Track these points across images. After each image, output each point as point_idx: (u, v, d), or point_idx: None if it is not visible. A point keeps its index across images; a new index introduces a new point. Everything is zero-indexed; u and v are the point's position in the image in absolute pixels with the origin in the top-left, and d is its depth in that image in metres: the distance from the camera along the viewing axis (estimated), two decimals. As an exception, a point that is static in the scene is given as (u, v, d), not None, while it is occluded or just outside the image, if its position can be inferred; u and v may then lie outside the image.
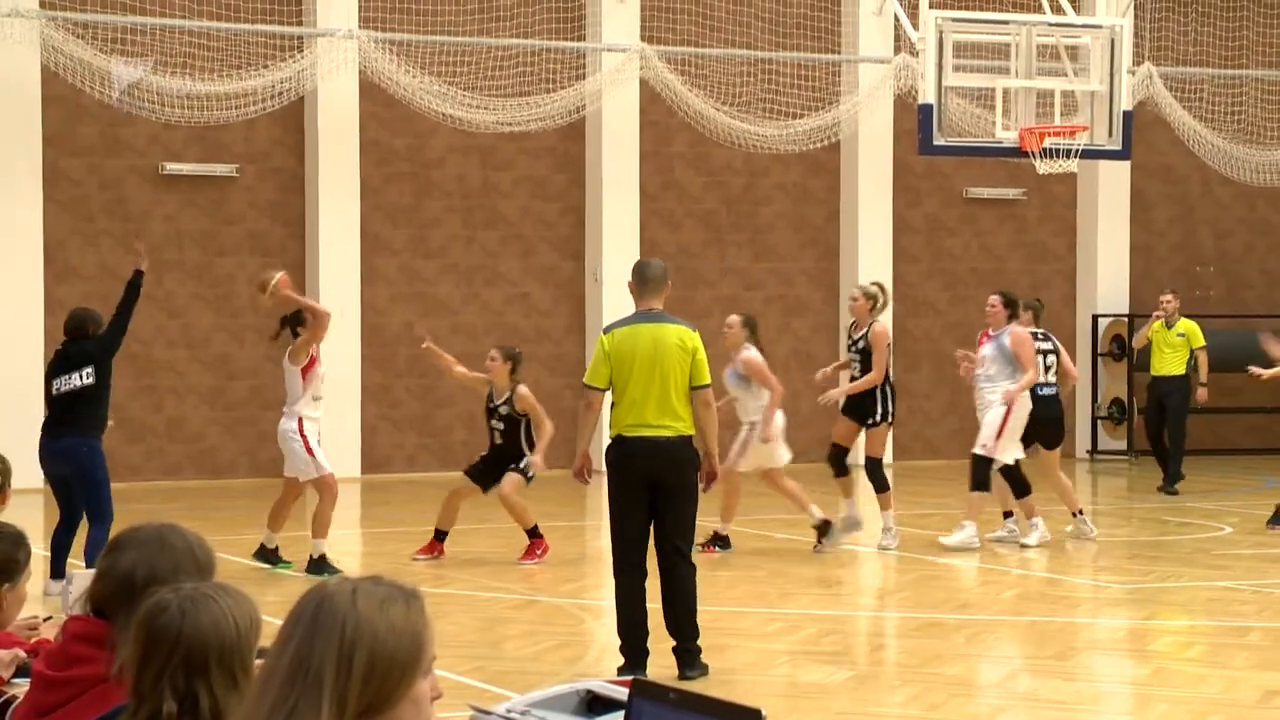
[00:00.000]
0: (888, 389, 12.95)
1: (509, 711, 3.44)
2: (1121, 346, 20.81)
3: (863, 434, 12.98)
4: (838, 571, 12.26)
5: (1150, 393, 17.39)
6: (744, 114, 19.11)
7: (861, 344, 12.92)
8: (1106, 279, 21.25)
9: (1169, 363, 17.11)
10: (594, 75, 18.81)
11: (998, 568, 12.30)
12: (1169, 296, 17.45)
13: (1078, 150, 15.10)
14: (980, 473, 12.86)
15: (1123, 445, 20.89)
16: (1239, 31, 21.26)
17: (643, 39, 19.05)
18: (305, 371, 11.55)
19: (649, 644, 8.29)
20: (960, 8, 17.73)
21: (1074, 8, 15.72)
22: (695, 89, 18.90)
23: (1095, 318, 21.20)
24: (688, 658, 8.31)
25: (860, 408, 12.96)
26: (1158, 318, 17.18)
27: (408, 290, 19.14)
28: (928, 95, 14.64)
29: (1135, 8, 20.28)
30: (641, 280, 8.55)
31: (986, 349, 13.06)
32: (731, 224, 20.45)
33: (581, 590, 11.27)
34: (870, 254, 20.46)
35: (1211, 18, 21.18)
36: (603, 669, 8.37)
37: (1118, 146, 15.41)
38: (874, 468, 12.95)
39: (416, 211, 19.25)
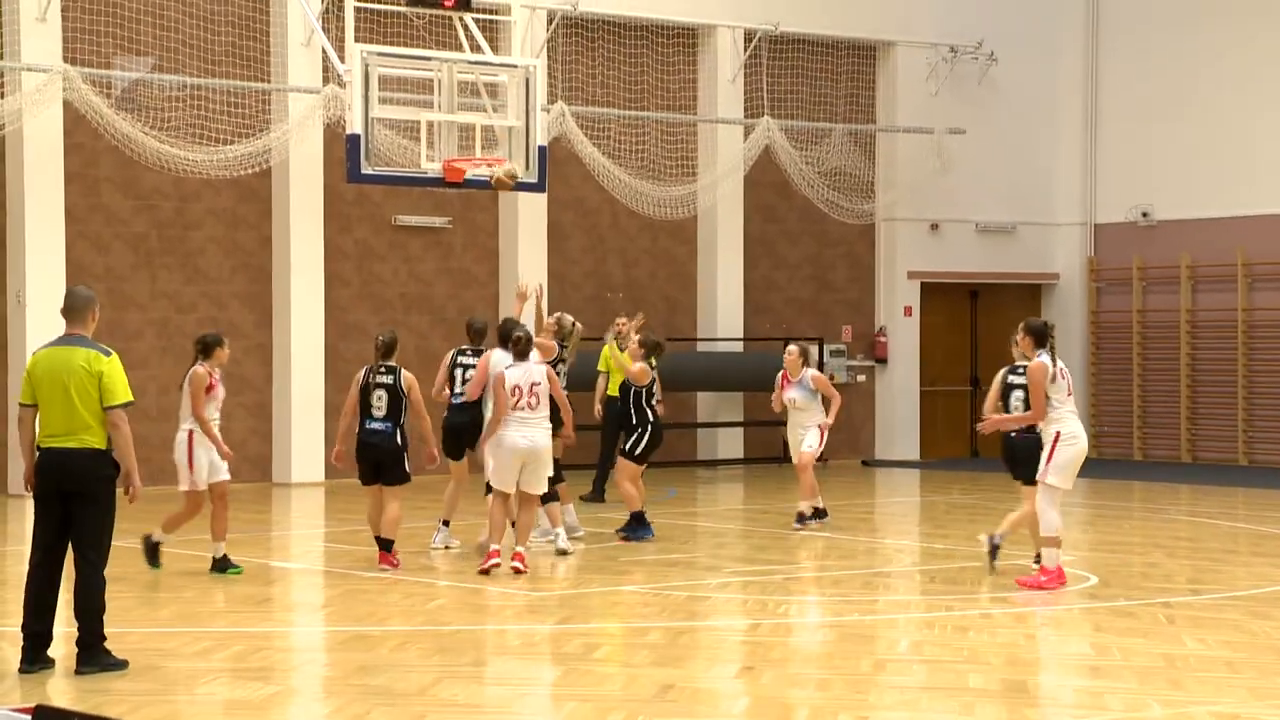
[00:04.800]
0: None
1: (-97, 748, 3.25)
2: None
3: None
4: (267, 589, 12.12)
5: (609, 410, 17.63)
6: (173, 139, 18.65)
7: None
8: (527, 304, 21.82)
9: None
10: (13, 95, 17.94)
11: (424, 580, 12.45)
12: (623, 319, 18.06)
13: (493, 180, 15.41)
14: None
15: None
16: (640, 77, 22.36)
17: (65, 60, 18.31)
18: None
19: (50, 629, 8.91)
20: (387, 42, 17.91)
21: (491, 48, 16.12)
22: (122, 113, 18.31)
23: (516, 340, 21.75)
24: (84, 653, 8.83)
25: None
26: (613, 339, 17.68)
27: None
28: (355, 126, 14.70)
29: (548, 50, 21.03)
30: (64, 307, 9.17)
31: None
32: (162, 248, 19.95)
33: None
34: (302, 278, 20.36)
35: (616, 63, 22.18)
36: (15, 698, 7.98)
37: (534, 180, 15.85)
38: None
39: None
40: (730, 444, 23.46)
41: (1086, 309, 25.46)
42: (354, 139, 14.69)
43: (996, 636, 9.90)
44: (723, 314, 23.25)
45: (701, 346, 23.29)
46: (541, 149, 15.68)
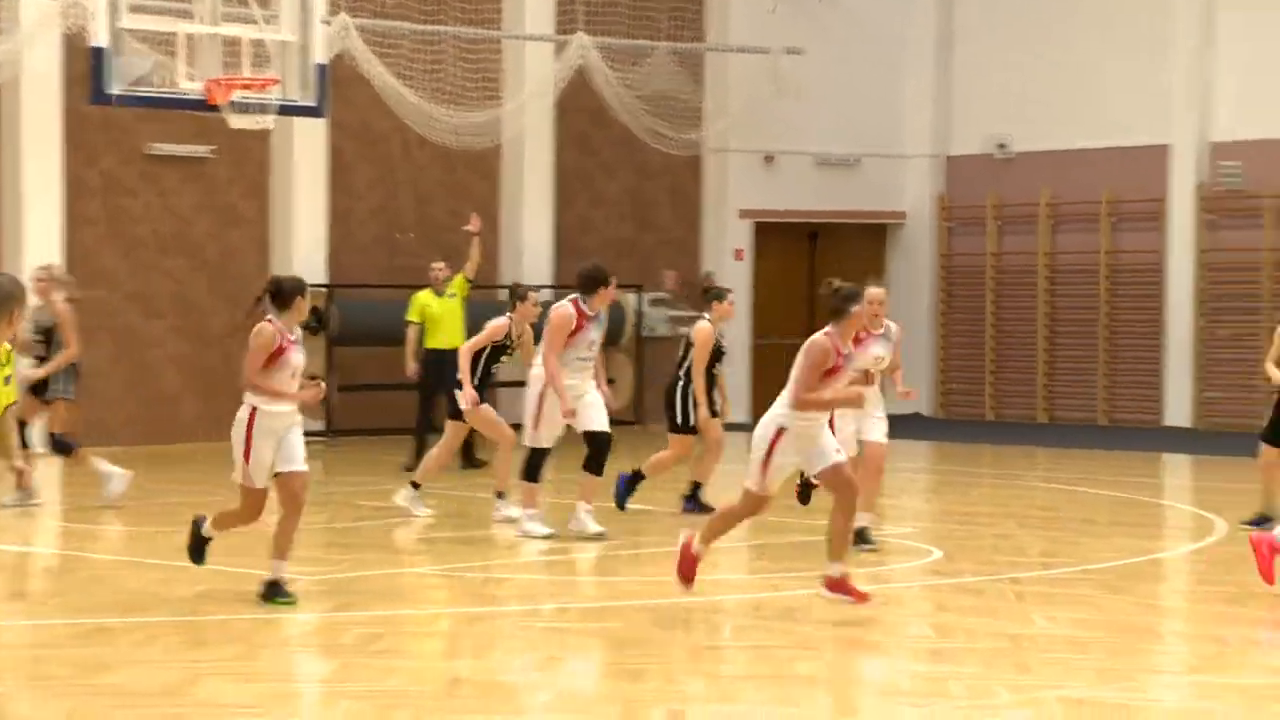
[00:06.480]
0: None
1: None
2: (319, 319, 21.12)
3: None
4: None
5: (429, 366, 17.64)
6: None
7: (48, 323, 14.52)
8: (303, 246, 21.58)
9: (449, 333, 17.44)
10: None
11: (177, 563, 12.22)
12: (440, 264, 18.04)
13: (275, 106, 15.28)
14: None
15: (321, 425, 21.22)
16: (436, -13, 22.14)
17: None
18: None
19: None
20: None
21: (260, -51, 15.84)
22: None
23: (292, 287, 21.43)
24: None
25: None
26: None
27: None
28: (100, 38, 14.44)
29: (327, -47, 20.71)
30: None
31: None
32: None
33: None
34: (36, 215, 19.86)
35: (406, -31, 21.94)
36: None
37: (312, 102, 15.76)
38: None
39: None
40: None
41: (936, 251, 25.83)
42: (98, 53, 14.47)
43: (829, 618, 10.00)
44: (530, 257, 23.18)
45: (505, 295, 23.18)
46: (320, 67, 15.57)
